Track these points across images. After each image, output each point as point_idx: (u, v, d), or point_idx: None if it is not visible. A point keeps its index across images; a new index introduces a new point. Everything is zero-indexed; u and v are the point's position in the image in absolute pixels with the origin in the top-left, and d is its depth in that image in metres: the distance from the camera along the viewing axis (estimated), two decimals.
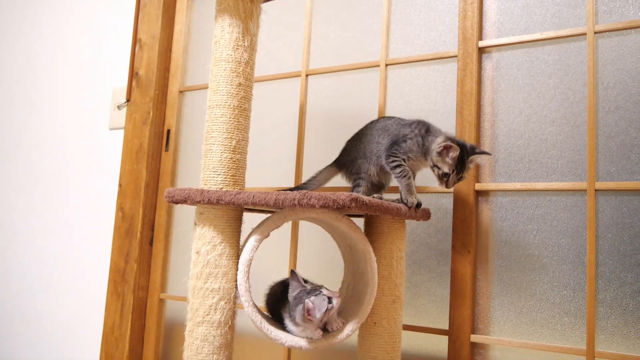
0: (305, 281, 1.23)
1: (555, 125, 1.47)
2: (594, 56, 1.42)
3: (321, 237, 1.63)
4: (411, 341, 1.57)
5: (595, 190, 1.38)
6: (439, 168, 1.29)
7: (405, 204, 1.27)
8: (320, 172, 1.49)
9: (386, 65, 1.70)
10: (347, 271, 1.42)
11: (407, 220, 1.36)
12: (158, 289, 2.04)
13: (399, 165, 1.31)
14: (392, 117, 1.42)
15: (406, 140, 1.32)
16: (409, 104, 1.67)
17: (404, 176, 1.30)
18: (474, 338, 1.47)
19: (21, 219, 2.44)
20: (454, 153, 1.26)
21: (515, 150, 1.51)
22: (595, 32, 1.43)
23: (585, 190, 1.40)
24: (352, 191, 1.37)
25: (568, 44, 1.48)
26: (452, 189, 1.51)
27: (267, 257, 1.81)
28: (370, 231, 1.31)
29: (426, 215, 1.35)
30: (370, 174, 1.38)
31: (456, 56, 1.59)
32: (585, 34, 1.44)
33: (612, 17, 1.43)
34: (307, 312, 1.14)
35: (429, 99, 1.64)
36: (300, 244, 1.77)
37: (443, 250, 1.56)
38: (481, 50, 1.57)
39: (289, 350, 1.73)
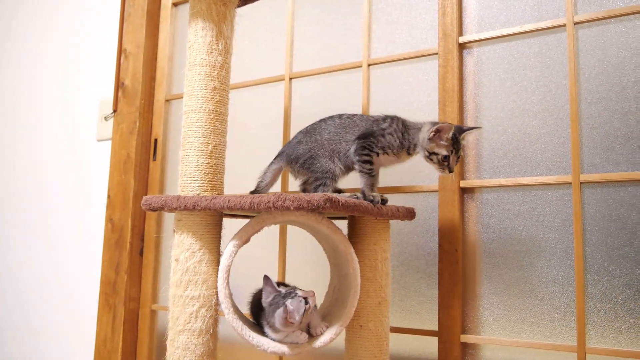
0: (279, 285, 1.20)
1: (538, 118, 1.45)
2: (574, 47, 1.40)
3: (309, 242, 1.61)
4: (401, 343, 1.54)
5: (581, 182, 1.35)
6: (436, 154, 1.25)
7: (371, 201, 1.22)
8: (269, 169, 1.40)
9: (368, 65, 1.69)
10: (333, 274, 1.40)
11: (393, 221, 1.34)
12: (149, 299, 2.02)
13: (369, 162, 1.27)
14: (354, 114, 1.36)
15: (385, 135, 1.28)
16: (393, 103, 1.65)
17: (371, 174, 1.26)
18: (464, 338, 1.44)
19: (11, 232, 2.43)
20: (448, 133, 1.24)
21: (499, 145, 1.49)
22: (575, 23, 1.41)
23: (570, 183, 1.37)
24: (316, 191, 1.30)
25: (548, 35, 1.45)
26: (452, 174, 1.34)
27: (256, 264, 1.79)
28: (353, 232, 1.29)
29: (410, 214, 1.33)
30: (337, 174, 1.31)
31: (437, 53, 1.57)
32: (565, 25, 1.42)
33: (592, 7, 1.41)
34: (289, 315, 1.11)
35: (412, 97, 1.62)
36: (289, 249, 1.75)
37: (431, 250, 1.54)
38: (462, 46, 1.56)
39: (281, 357, 1.71)
